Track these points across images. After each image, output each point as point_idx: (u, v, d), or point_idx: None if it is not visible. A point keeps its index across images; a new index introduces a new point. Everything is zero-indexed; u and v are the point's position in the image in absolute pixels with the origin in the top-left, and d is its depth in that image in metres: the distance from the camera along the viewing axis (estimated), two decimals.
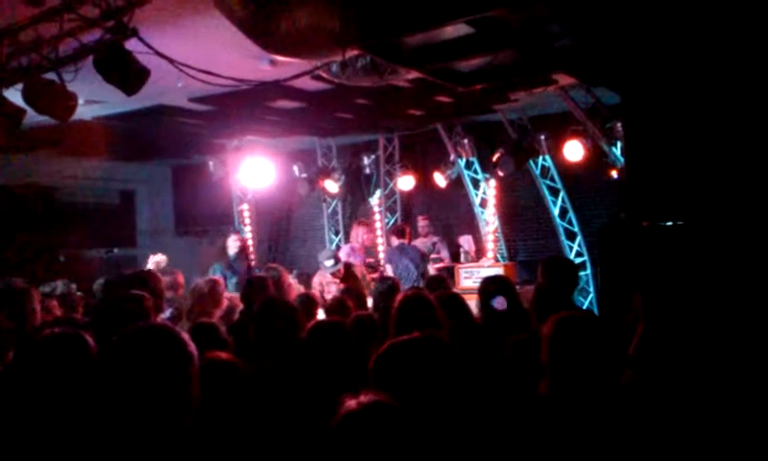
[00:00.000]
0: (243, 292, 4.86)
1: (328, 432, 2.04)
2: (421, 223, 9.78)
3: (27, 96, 4.80)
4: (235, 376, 2.60)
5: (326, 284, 7.64)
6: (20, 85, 4.86)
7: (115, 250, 10.42)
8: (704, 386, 3.70)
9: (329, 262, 7.54)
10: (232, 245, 8.58)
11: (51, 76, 4.87)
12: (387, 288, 5.19)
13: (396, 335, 3.34)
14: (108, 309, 4.13)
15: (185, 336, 2.10)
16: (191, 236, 12.82)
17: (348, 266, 7.78)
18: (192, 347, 2.09)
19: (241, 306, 5.89)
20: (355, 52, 4.65)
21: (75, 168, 10.82)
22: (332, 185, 10.63)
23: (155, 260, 7.15)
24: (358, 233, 9.20)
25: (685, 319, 4.04)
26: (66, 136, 8.13)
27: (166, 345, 2.03)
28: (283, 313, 3.54)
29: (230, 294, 6.12)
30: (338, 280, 7.38)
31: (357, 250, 8.79)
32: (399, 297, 3.59)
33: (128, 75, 4.60)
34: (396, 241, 8.58)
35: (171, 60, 4.62)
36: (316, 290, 7.43)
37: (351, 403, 2.06)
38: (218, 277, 6.32)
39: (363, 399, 2.07)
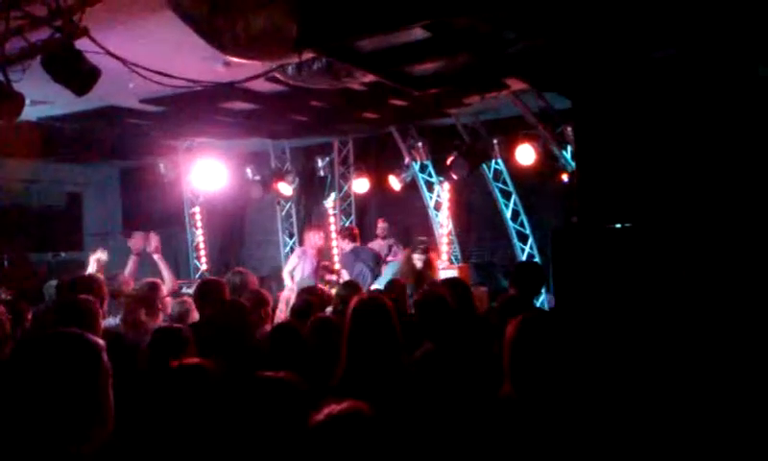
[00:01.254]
0: (195, 295, 4.78)
1: (301, 443, 2.04)
2: (380, 225, 9.81)
3: None
4: (206, 380, 2.57)
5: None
6: None
7: (62, 253, 10.14)
8: (652, 384, 3.81)
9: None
10: None
11: None
12: (349, 293, 5.21)
13: (350, 339, 3.35)
14: (55, 314, 4.03)
15: (98, 342, 2.03)
16: None
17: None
18: (104, 354, 2.02)
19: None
20: (311, 54, 4.63)
21: (19, 170, 10.51)
22: (286, 188, 10.57)
23: (95, 258, 6.87)
24: (310, 237, 9.13)
25: (636, 319, 4.15)
26: (10, 138, 7.89)
27: (73, 352, 1.96)
28: (237, 316, 3.51)
29: (186, 297, 6.01)
30: None
31: (310, 254, 8.73)
32: (354, 301, 3.59)
33: (78, 75, 4.48)
34: (348, 245, 8.56)
35: (123, 61, 4.53)
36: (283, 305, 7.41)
37: (319, 416, 2.06)
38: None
39: (333, 408, 2.07)
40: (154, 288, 4.79)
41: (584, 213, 4.92)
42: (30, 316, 5.55)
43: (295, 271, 8.43)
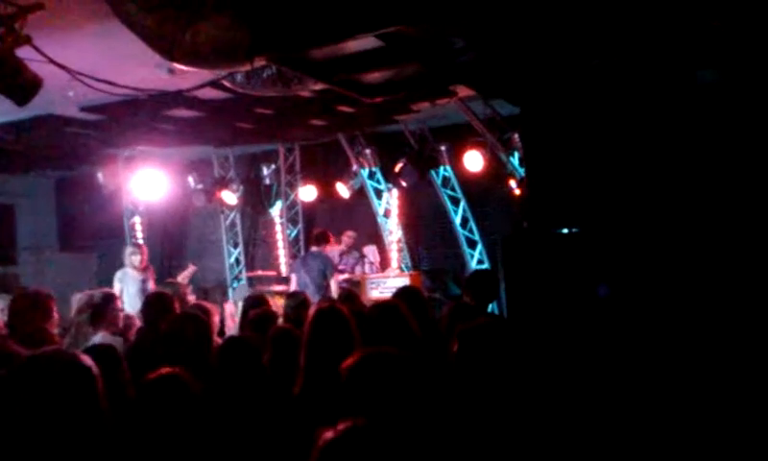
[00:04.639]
0: (143, 309, 4.65)
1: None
2: (349, 233, 9.60)
3: None
4: (185, 390, 2.54)
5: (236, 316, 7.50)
6: None
7: None
8: (600, 385, 3.89)
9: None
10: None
11: None
12: (298, 303, 5.17)
13: (309, 349, 3.31)
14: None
15: (85, 360, 2.07)
16: (77, 252, 12.17)
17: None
18: (95, 369, 2.06)
19: (138, 324, 5.64)
20: (262, 63, 4.56)
21: None
22: (230, 197, 10.37)
23: None
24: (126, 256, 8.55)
25: (585, 322, 4.23)
26: None
27: (70, 370, 2.00)
28: (195, 329, 3.44)
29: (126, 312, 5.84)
30: None
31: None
32: (312, 311, 3.54)
33: (19, 84, 4.29)
34: (311, 249, 8.40)
35: (68, 70, 4.36)
36: (228, 317, 7.29)
37: (329, 433, 2.02)
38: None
39: (341, 426, 2.04)
40: (108, 300, 4.64)
41: (533, 219, 5.00)
42: None
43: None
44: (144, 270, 8.02)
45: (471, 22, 4.27)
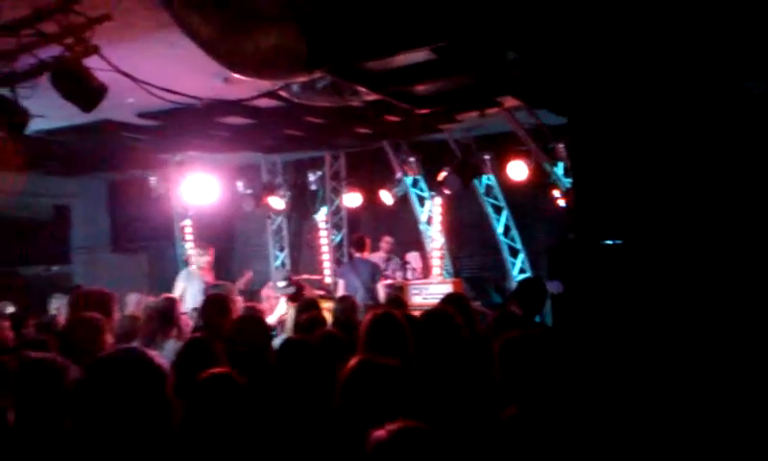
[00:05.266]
0: (203, 308, 4.83)
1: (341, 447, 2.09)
2: (387, 239, 9.75)
3: None
4: (234, 389, 2.64)
5: (274, 298, 7.67)
6: None
7: (53, 267, 10.07)
8: (647, 397, 3.89)
9: (282, 283, 7.60)
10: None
11: (3, 91, 4.73)
12: (347, 307, 5.29)
13: (365, 353, 3.41)
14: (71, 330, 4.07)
15: (157, 358, 2.15)
16: (128, 253, 12.51)
17: (299, 287, 7.81)
18: (164, 367, 2.14)
19: (191, 324, 5.83)
20: (319, 74, 4.70)
21: (7, 182, 10.42)
22: (277, 202, 10.56)
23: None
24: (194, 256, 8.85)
25: (632, 334, 4.24)
26: (2, 151, 7.85)
27: (141, 368, 2.07)
28: (258, 330, 3.57)
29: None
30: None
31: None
32: (368, 317, 3.64)
33: (87, 92, 4.51)
34: (354, 254, 8.54)
35: (133, 78, 4.56)
36: (264, 303, 7.45)
37: (381, 433, 2.10)
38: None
39: (391, 427, 2.12)
40: (171, 303, 4.84)
41: (580, 230, 5.03)
42: (33, 328, 5.56)
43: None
44: (208, 271, 8.23)
45: (526, 35, 4.35)
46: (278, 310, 7.27)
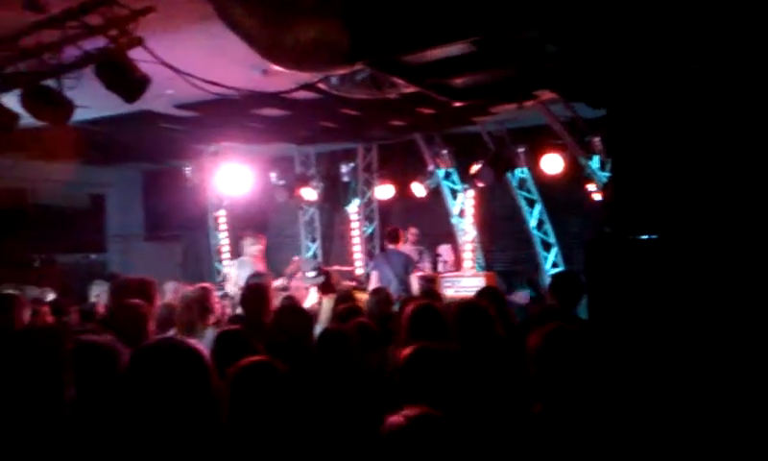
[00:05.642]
0: (244, 297, 4.89)
1: (376, 449, 2.10)
2: (413, 230, 9.78)
3: (25, 102, 4.75)
4: (275, 377, 2.66)
5: (304, 289, 7.74)
6: (17, 90, 4.81)
7: (92, 255, 10.25)
8: (683, 396, 3.85)
9: (312, 273, 7.69)
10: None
11: (49, 82, 4.83)
12: (381, 299, 5.32)
13: (407, 344, 3.43)
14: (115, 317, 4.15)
15: (199, 348, 2.16)
16: (162, 242, 12.69)
17: (328, 276, 7.88)
18: (208, 358, 2.14)
19: (229, 312, 5.91)
20: (360, 66, 4.72)
21: (46, 171, 10.64)
22: (310, 193, 10.62)
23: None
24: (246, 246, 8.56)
25: (671, 331, 4.20)
26: (38, 139, 8.00)
27: (185, 358, 2.08)
28: (300, 320, 3.61)
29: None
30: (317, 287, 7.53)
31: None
32: (410, 308, 3.66)
33: (130, 83, 4.59)
34: (387, 246, 8.53)
35: (176, 70, 4.62)
36: (292, 294, 7.53)
37: (397, 419, 2.11)
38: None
39: (408, 412, 2.13)
40: (207, 292, 4.91)
41: (617, 224, 4.98)
42: (75, 315, 5.68)
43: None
44: (260, 259, 8.29)
45: (565, 27, 4.31)
46: (309, 300, 7.35)
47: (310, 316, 3.72)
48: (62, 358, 2.23)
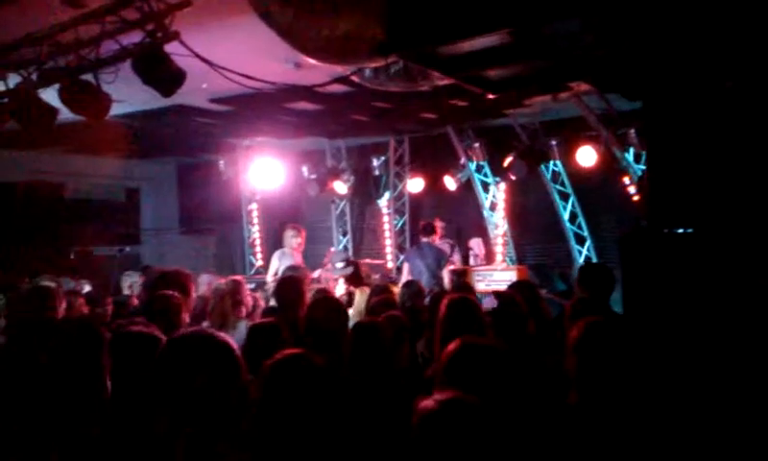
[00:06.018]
0: (277, 291, 4.93)
1: (409, 432, 2.10)
2: (438, 224, 9.73)
3: (63, 96, 4.83)
4: (313, 370, 2.65)
5: (333, 281, 7.80)
6: (56, 85, 4.88)
7: (127, 248, 10.41)
8: (720, 390, 3.79)
9: (340, 264, 7.73)
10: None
11: (86, 76, 4.90)
12: (414, 292, 5.32)
13: (443, 337, 3.42)
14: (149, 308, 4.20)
15: (229, 340, 2.19)
16: (196, 235, 12.83)
17: (356, 266, 7.91)
18: (237, 351, 2.17)
19: (262, 305, 5.96)
20: (394, 58, 4.70)
21: (83, 165, 10.83)
22: (341, 187, 10.66)
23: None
24: (287, 237, 8.76)
25: (706, 326, 4.12)
26: (75, 133, 8.13)
27: (215, 350, 2.11)
28: (336, 312, 3.63)
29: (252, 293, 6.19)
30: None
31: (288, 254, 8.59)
32: (446, 301, 3.65)
33: (166, 77, 4.63)
34: (421, 240, 8.53)
35: (210, 64, 4.66)
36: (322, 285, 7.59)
37: (429, 403, 2.10)
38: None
39: (439, 397, 2.12)
40: (238, 285, 4.95)
41: (653, 218, 4.90)
42: (110, 306, 5.76)
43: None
44: (297, 252, 8.36)
45: (603, 18, 4.24)
46: (337, 292, 7.38)
47: (345, 309, 3.73)
48: (101, 348, 2.26)
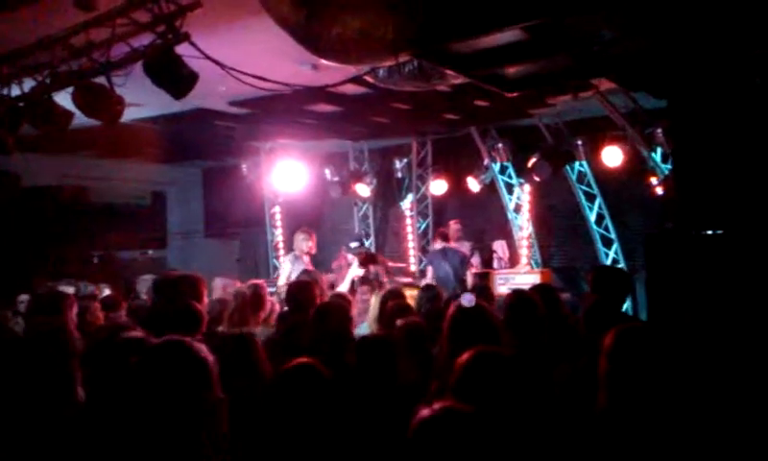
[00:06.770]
0: (288, 295, 4.87)
1: (405, 441, 2.04)
2: (453, 226, 9.64)
3: (76, 100, 4.83)
4: (319, 380, 2.61)
5: (346, 267, 7.90)
6: (70, 89, 4.89)
7: (150, 251, 10.47)
8: (751, 393, 3.64)
9: (354, 243, 7.75)
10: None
11: (100, 80, 4.89)
12: (432, 297, 5.22)
13: (451, 345, 3.32)
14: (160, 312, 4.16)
15: (201, 348, 2.15)
16: (220, 238, 12.88)
17: (369, 253, 7.89)
18: (209, 358, 2.13)
19: (278, 309, 5.89)
20: (407, 57, 4.61)
21: (108, 169, 10.92)
22: (364, 189, 10.59)
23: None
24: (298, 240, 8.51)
25: (735, 328, 3.98)
26: (101, 138, 8.19)
27: (182, 359, 2.08)
28: (338, 319, 3.55)
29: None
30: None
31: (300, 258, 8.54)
32: (448, 314, 3.54)
33: (178, 79, 4.60)
34: (439, 244, 8.47)
35: (222, 65, 4.61)
36: (335, 274, 7.56)
37: (424, 412, 2.05)
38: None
39: (435, 406, 2.07)
40: (259, 288, 4.93)
41: (679, 219, 4.75)
42: (123, 311, 5.75)
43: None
44: (311, 255, 8.33)
45: (626, 13, 4.11)
46: (351, 273, 7.30)
47: (350, 315, 3.64)
48: (69, 360, 2.23)
